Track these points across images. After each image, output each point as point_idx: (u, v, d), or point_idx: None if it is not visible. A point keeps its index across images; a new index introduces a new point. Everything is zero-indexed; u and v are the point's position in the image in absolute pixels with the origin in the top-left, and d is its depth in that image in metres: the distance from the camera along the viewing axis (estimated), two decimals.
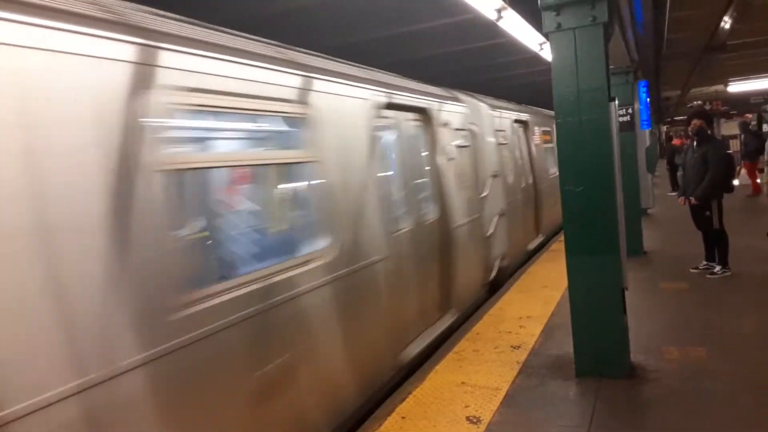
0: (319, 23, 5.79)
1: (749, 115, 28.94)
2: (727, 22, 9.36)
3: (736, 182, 8.57)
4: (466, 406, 4.08)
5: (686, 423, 3.67)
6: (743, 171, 15.56)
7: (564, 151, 4.44)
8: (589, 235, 4.36)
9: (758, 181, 14.69)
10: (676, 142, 18.70)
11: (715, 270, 7.18)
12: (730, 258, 7.18)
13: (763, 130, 18.61)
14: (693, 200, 7.15)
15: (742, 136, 16.44)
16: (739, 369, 4.38)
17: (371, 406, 4.34)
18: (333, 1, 5.24)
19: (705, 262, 7.42)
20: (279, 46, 3.91)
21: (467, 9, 5.24)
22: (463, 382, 4.50)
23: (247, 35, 3.59)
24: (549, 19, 4.34)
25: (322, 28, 5.94)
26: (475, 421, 3.86)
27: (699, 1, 8.15)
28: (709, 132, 7.46)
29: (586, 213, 4.34)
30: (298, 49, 4.11)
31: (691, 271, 7.40)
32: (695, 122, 7.34)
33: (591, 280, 4.39)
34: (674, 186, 17.22)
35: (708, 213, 7.08)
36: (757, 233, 9.42)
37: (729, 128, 22.09)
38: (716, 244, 7.25)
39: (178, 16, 3.08)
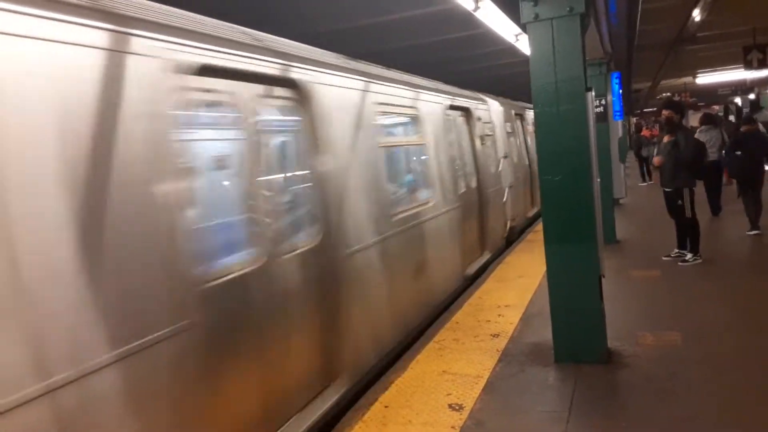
0: (299, 11, 5.73)
1: (716, 107, 29.63)
2: (697, 14, 9.54)
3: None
4: (448, 394, 4.11)
5: (662, 405, 3.76)
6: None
7: (543, 141, 4.49)
8: (568, 224, 4.43)
9: None
10: (645, 133, 18.98)
11: (687, 258, 7.35)
12: (701, 245, 7.35)
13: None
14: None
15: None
16: (712, 353, 4.50)
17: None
18: None
19: (677, 250, 7.58)
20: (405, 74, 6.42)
21: None
22: (444, 371, 4.53)
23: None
24: (527, 9, 4.37)
25: (299, 16, 5.88)
26: (457, 408, 3.89)
27: None
28: (679, 122, 7.60)
29: (565, 202, 4.41)
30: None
31: (664, 258, 7.56)
32: (665, 113, 7.49)
33: (569, 268, 4.46)
34: (644, 176, 17.56)
35: (680, 202, 7.24)
36: (727, 221, 9.68)
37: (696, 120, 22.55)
38: (688, 232, 7.41)
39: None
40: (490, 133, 9.11)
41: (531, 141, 12.08)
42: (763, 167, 9.09)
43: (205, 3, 3.93)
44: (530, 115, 12.45)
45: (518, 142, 11.64)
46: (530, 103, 4.99)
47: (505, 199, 9.40)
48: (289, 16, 5.90)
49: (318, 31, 6.33)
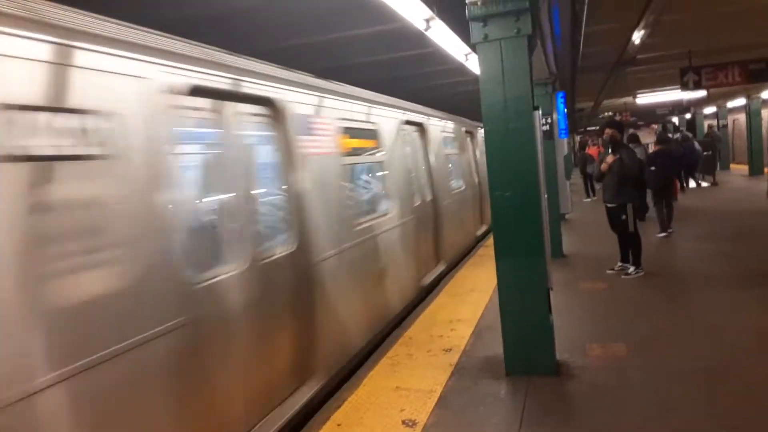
0: (250, 27, 5.70)
1: (654, 126, 30.90)
2: (637, 37, 9.95)
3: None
4: (402, 410, 4.11)
5: (611, 414, 3.86)
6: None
7: (492, 157, 4.59)
8: (517, 238, 4.52)
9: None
10: (591, 151, 19.57)
11: (629, 271, 7.61)
12: (642, 258, 7.63)
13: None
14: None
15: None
16: (656, 361, 4.67)
17: None
18: (263, 6, 5.18)
19: (620, 263, 7.84)
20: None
21: (396, 17, 5.32)
22: (397, 387, 4.53)
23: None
24: (477, 29, 4.48)
25: (252, 31, 5.85)
26: (410, 424, 3.89)
27: (612, 17, 8.64)
28: (620, 140, 7.91)
29: (514, 217, 4.51)
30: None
31: (608, 272, 7.80)
32: (608, 131, 7.81)
33: (519, 281, 4.55)
34: (588, 192, 18.11)
35: (624, 216, 7.51)
36: (669, 235, 10.09)
37: (644, 136, 23.43)
38: (630, 246, 7.69)
39: None
40: (443, 148, 9.51)
41: (481, 158, 12.39)
42: (672, 180, 11.04)
43: (168, 21, 3.90)
44: (480, 133, 12.69)
45: (467, 160, 11.91)
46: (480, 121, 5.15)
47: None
48: (248, 32, 5.87)
49: (273, 47, 6.32)
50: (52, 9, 2.61)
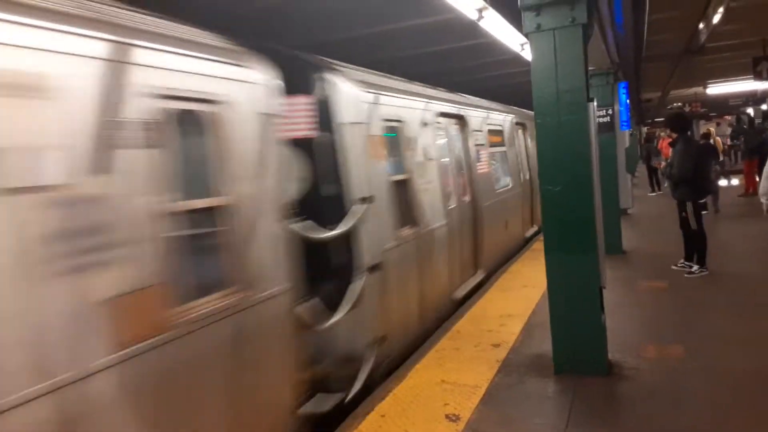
0: (299, 21, 5.74)
1: (728, 117, 29.41)
2: (705, 25, 9.50)
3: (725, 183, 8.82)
4: (446, 404, 4.09)
5: (662, 420, 3.71)
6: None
7: (543, 150, 4.47)
8: (567, 234, 4.40)
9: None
10: (663, 143, 18.73)
11: (693, 269, 7.29)
12: (709, 257, 7.29)
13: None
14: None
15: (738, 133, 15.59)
16: (715, 366, 4.45)
17: None
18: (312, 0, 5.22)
19: (683, 261, 7.52)
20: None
21: (448, 8, 5.24)
22: (442, 380, 4.51)
23: None
24: (529, 19, 4.38)
25: (302, 25, 5.89)
26: (454, 419, 3.87)
27: (678, 4, 8.26)
28: (682, 133, 7.54)
29: (565, 212, 4.39)
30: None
31: (673, 268, 7.50)
32: (670, 123, 7.56)
33: (569, 279, 4.43)
34: (653, 186, 17.44)
35: (684, 213, 7.19)
36: (737, 233, 9.59)
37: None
38: (694, 245, 7.36)
39: None
40: (487, 142, 8.75)
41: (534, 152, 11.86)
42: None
43: (214, 17, 3.98)
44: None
45: (517, 154, 11.01)
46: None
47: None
48: (295, 27, 5.92)
49: (322, 41, 6.36)
50: None
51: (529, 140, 11.90)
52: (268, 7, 5.07)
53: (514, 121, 10.98)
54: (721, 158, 15.83)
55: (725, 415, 3.68)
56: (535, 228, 11.46)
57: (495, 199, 8.67)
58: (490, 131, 9.11)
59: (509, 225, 9.55)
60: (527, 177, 11.33)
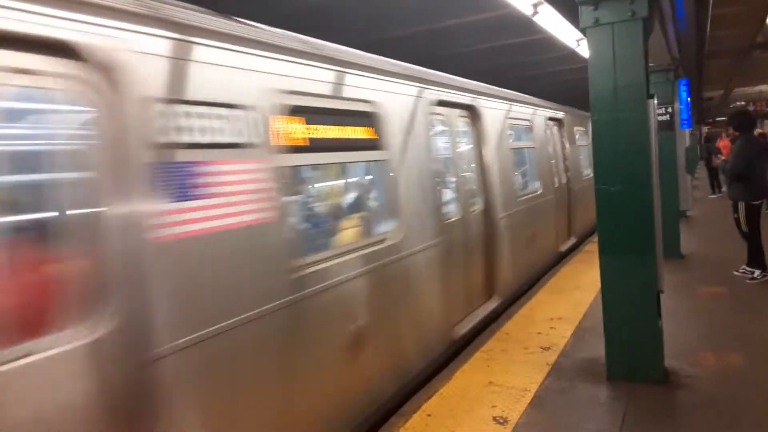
0: (355, 18, 5.78)
1: None
2: None
3: None
4: (493, 406, 4.03)
5: (721, 429, 3.55)
6: None
7: (600, 148, 4.34)
8: (624, 236, 4.26)
9: None
10: (721, 143, 18.01)
11: (755, 275, 6.96)
12: None
13: None
14: None
15: None
16: None
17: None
18: None
19: (744, 267, 7.19)
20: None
21: (501, 4, 5.16)
22: (490, 382, 4.44)
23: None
24: (586, 14, 4.25)
25: (358, 23, 5.93)
26: (501, 421, 3.80)
27: None
28: (745, 131, 7.21)
29: (621, 212, 4.24)
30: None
31: (734, 273, 7.19)
32: (732, 122, 7.30)
33: (625, 282, 4.28)
34: (713, 188, 16.76)
35: (736, 215, 6.92)
36: None
37: None
38: (749, 248, 7.05)
39: None
40: (508, 139, 7.25)
41: (572, 151, 10.57)
42: None
43: (272, 15, 4.04)
44: (573, 119, 11.17)
45: (549, 154, 9.29)
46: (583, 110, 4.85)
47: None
48: (349, 24, 5.95)
49: (376, 38, 6.37)
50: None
51: (566, 139, 10.43)
52: (323, 5, 5.12)
53: (545, 115, 9.34)
54: None
55: None
56: (573, 240, 10.20)
57: (518, 208, 7.22)
58: (513, 126, 7.65)
59: (538, 238, 8.09)
60: (563, 181, 9.94)
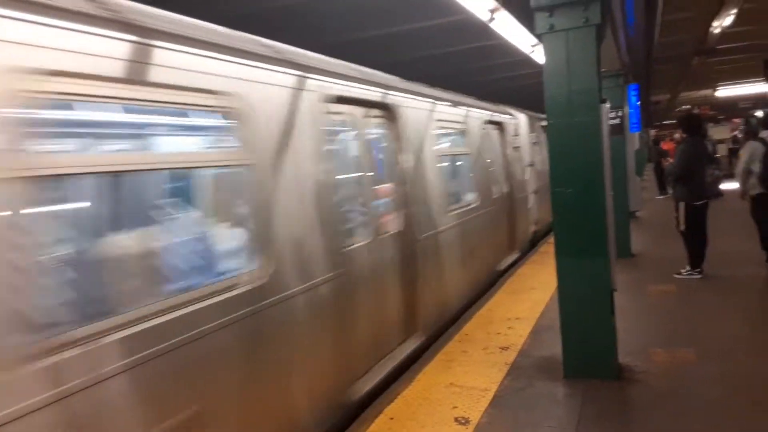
0: (311, 21, 5.75)
1: (736, 120, 29.24)
2: (717, 27, 9.44)
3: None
4: (455, 407, 4.07)
5: (674, 425, 3.67)
6: None
7: (555, 152, 4.44)
8: (579, 237, 4.37)
9: None
10: (665, 145, 18.73)
11: (681, 271, 7.29)
12: (718, 260, 7.23)
13: None
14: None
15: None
16: (727, 371, 4.40)
17: None
18: (322, 1, 5.20)
19: (688, 267, 7.44)
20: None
21: (459, 9, 5.23)
22: (451, 383, 4.49)
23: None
24: (542, 20, 4.34)
25: (314, 26, 5.90)
26: (463, 422, 3.84)
27: (690, 5, 8.21)
28: (692, 134, 7.49)
29: (576, 215, 4.35)
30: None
31: (675, 276, 7.41)
32: (681, 124, 7.57)
33: (580, 282, 4.39)
34: (661, 189, 17.35)
35: (676, 215, 7.19)
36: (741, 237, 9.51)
37: (718, 132, 22.22)
38: (685, 245, 7.37)
39: None
40: (436, 146, 6.35)
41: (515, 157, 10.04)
42: None
43: (225, 15, 3.98)
44: (519, 121, 10.72)
45: (488, 162, 8.48)
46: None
47: (530, 205, 10.38)
48: (307, 27, 5.92)
49: (334, 41, 6.36)
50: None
51: (508, 143, 9.56)
52: (280, 7, 5.08)
53: (482, 118, 8.28)
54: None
55: (738, 422, 3.64)
56: (516, 254, 9.34)
57: (446, 225, 6.23)
58: (442, 130, 6.77)
59: (474, 257, 7.19)
60: (504, 190, 9.05)
